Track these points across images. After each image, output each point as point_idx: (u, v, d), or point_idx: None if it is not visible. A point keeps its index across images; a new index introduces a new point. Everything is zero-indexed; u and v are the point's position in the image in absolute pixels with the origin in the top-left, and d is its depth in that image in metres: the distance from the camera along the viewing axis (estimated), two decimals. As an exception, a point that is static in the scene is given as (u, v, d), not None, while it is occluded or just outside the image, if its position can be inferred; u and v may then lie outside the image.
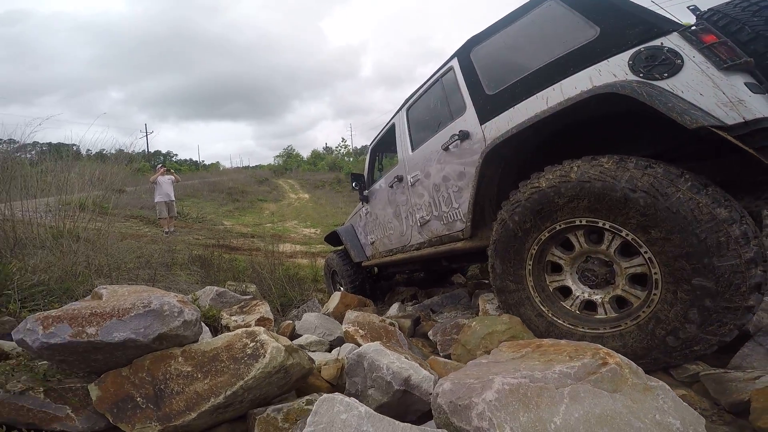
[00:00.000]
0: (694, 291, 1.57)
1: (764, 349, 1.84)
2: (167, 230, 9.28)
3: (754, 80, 1.69)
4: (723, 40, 1.68)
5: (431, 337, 2.54)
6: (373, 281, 4.94)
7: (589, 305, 1.99)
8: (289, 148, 50.28)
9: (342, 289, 4.87)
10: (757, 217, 2.77)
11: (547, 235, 2.03)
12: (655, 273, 1.68)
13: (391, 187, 3.64)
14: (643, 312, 1.74)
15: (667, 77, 1.71)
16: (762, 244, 1.56)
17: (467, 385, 1.03)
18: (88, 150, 7.42)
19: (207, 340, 1.44)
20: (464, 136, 2.59)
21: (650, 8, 1.96)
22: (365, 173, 4.47)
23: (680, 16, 2.12)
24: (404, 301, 4.32)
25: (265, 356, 1.34)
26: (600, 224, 1.84)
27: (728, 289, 1.51)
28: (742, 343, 1.92)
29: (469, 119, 2.59)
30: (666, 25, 1.82)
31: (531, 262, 2.11)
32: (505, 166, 2.37)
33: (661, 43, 1.76)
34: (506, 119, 2.29)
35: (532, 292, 2.12)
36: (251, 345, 1.37)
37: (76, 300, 1.81)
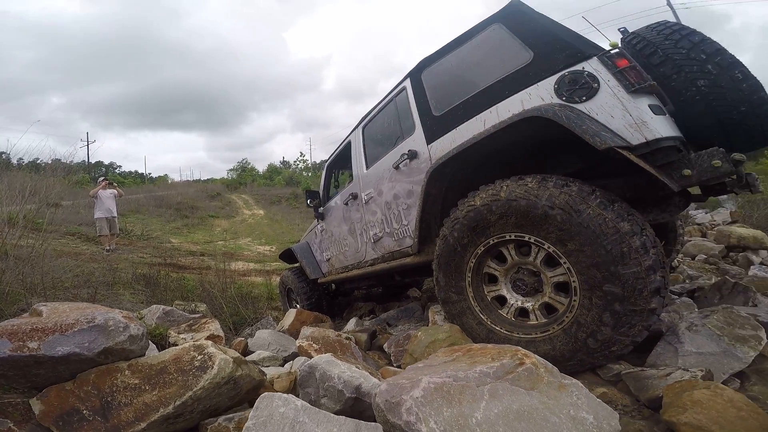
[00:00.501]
0: (605, 296, 1.76)
1: (673, 348, 2.10)
2: (108, 248, 8.74)
3: (658, 102, 1.90)
4: (633, 65, 1.88)
5: (386, 350, 2.63)
6: (330, 298, 4.93)
7: (523, 312, 2.16)
8: (244, 161, 48.97)
9: (298, 306, 4.82)
10: (672, 228, 3.13)
11: (482, 249, 2.18)
12: (574, 281, 1.86)
13: (346, 204, 3.71)
14: (567, 317, 1.91)
15: (585, 100, 1.89)
16: (660, 252, 1.78)
17: (399, 385, 1.15)
18: (20, 159, 6.93)
19: (154, 354, 1.46)
20: (413, 155, 2.72)
21: (579, 33, 2.19)
22: (321, 190, 4.50)
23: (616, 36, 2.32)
24: (362, 316, 4.37)
25: (213, 368, 1.37)
26: (526, 238, 2.01)
27: (633, 294, 1.71)
28: (656, 342, 2.19)
29: (417, 139, 2.71)
30: (588, 50, 1.99)
31: (470, 275, 2.25)
32: (449, 184, 2.51)
33: (583, 68, 1.93)
34: (450, 140, 2.43)
35: (472, 302, 2.26)
36: (199, 357, 1.40)
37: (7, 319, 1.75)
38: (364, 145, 3.51)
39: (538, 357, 1.38)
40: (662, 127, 1.78)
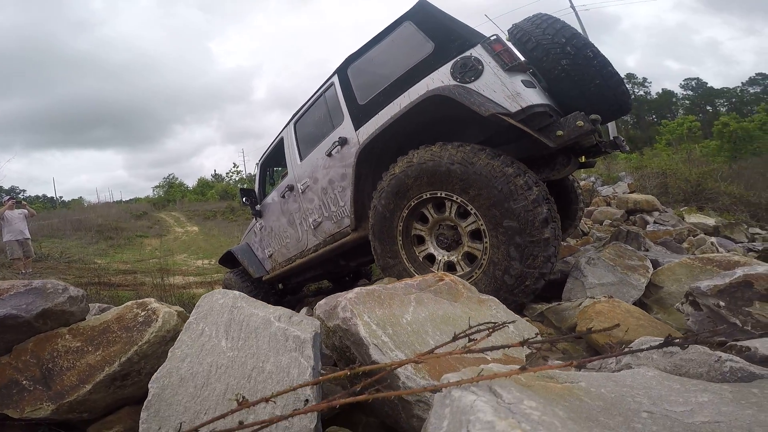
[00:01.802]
0: (506, 231, 2.07)
1: (580, 282, 2.44)
2: (24, 272, 7.94)
3: (530, 78, 2.31)
4: (506, 48, 2.28)
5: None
6: (278, 296, 4.86)
7: (450, 266, 2.45)
8: (171, 177, 46.09)
9: None
10: (572, 190, 3.57)
11: (407, 212, 2.48)
12: (482, 224, 2.18)
13: (283, 197, 3.80)
14: (484, 260, 2.21)
15: (474, 80, 2.26)
16: (544, 190, 2.12)
17: (335, 297, 1.31)
18: None
19: (96, 317, 1.46)
20: (343, 141, 2.96)
21: (467, 24, 2.58)
22: (256, 188, 4.49)
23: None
24: (313, 308, 4.37)
25: (157, 320, 1.38)
26: (438, 194, 2.33)
27: (527, 225, 2.02)
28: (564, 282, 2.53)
29: (346, 127, 2.96)
30: (475, 39, 2.38)
31: (401, 238, 2.53)
32: (377, 163, 2.74)
33: (471, 54, 2.31)
34: (374, 124, 2.71)
35: (406, 263, 2.53)
36: (143, 314, 1.42)
37: None
38: (296, 139, 3.66)
39: (455, 276, 1.59)
40: (533, 97, 2.18)
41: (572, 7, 22.49)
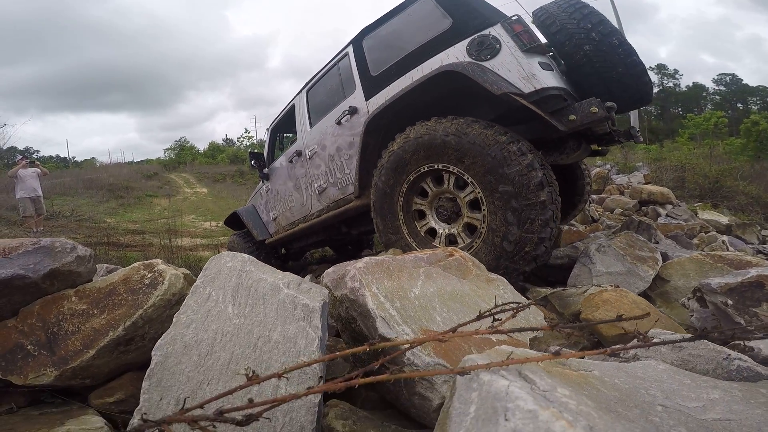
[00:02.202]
0: (502, 197, 2.09)
1: (587, 269, 2.43)
2: (35, 230, 8.08)
3: (548, 60, 2.29)
4: (526, 29, 2.26)
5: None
6: (281, 261, 4.95)
7: (451, 239, 2.48)
8: (182, 140, 46.12)
9: None
10: (580, 176, 3.54)
11: (406, 187, 2.53)
12: (479, 192, 2.21)
13: (291, 162, 3.86)
14: (483, 228, 2.23)
15: (490, 58, 2.26)
16: (539, 156, 2.13)
17: (344, 266, 1.29)
18: None
19: (102, 278, 1.46)
20: (353, 111, 3.00)
21: (488, 2, 2.56)
22: (265, 153, 4.58)
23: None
24: (317, 276, 4.45)
25: (163, 283, 1.35)
26: (436, 166, 2.38)
27: (522, 189, 2.03)
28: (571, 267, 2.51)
29: (357, 96, 3.00)
30: (495, 17, 2.37)
31: (402, 213, 2.57)
32: (385, 134, 2.75)
33: (489, 32, 2.30)
34: (384, 95, 2.74)
35: (408, 238, 2.56)
36: (149, 276, 1.39)
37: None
38: (308, 107, 3.71)
39: (465, 252, 1.57)
40: (548, 79, 2.18)
41: None
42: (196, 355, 1.01)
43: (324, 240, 4.27)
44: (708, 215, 6.36)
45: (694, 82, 55.15)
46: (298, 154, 3.73)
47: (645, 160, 11.85)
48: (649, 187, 6.57)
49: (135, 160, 44.07)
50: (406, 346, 0.74)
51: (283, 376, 0.52)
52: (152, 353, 1.05)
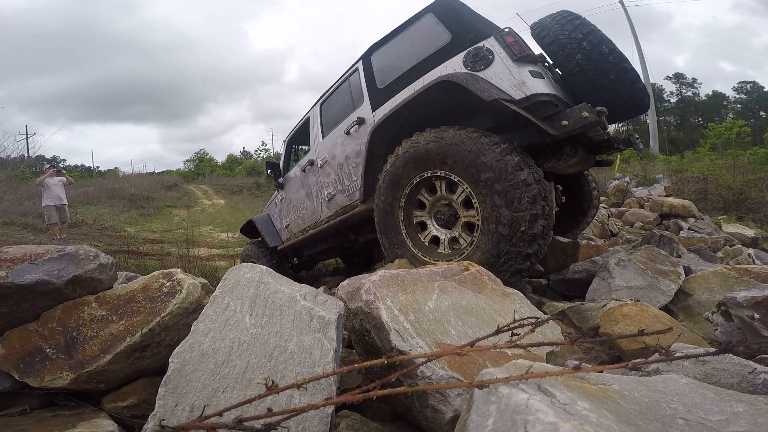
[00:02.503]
0: (486, 183, 2.19)
1: (606, 283, 2.39)
2: (59, 237, 8.33)
3: (539, 69, 2.39)
4: (517, 40, 2.37)
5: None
6: (292, 270, 5.04)
7: (454, 241, 2.55)
8: (202, 152, 47.08)
9: None
10: (587, 189, 3.58)
11: (404, 201, 2.65)
12: (467, 188, 2.32)
13: (304, 171, 4.04)
14: (478, 221, 2.30)
15: (484, 69, 2.38)
16: (514, 145, 2.23)
17: (359, 279, 1.29)
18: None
19: (123, 285, 1.50)
20: (361, 121, 3.17)
21: (483, 16, 2.71)
22: (281, 163, 4.77)
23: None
24: (330, 287, 4.48)
25: (181, 292, 1.38)
26: (426, 174, 2.49)
27: (500, 172, 2.14)
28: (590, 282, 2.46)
29: (365, 108, 3.16)
30: (489, 30, 2.50)
31: (404, 228, 2.69)
32: (390, 143, 2.86)
33: (483, 44, 2.43)
34: (389, 106, 2.89)
35: (414, 250, 2.65)
36: (168, 284, 1.42)
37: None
38: (321, 119, 3.89)
39: (480, 267, 1.56)
40: (538, 86, 2.28)
41: (621, 2, 21.60)
42: (213, 363, 1.02)
43: (333, 248, 4.33)
44: (733, 228, 6.17)
45: (713, 91, 53.65)
46: (311, 163, 3.90)
47: (665, 171, 11.58)
48: (670, 200, 6.41)
49: (156, 171, 45.24)
50: (423, 359, 0.74)
51: (303, 387, 0.52)
52: (170, 360, 1.07)
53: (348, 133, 3.29)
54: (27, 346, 1.33)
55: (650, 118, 23.77)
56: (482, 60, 2.39)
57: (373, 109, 3.07)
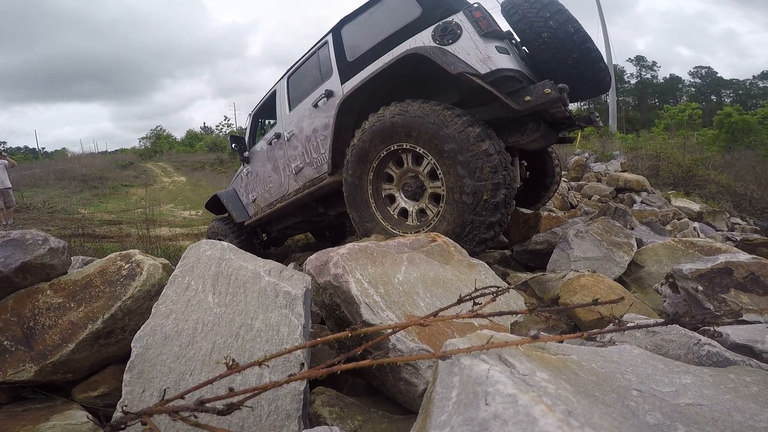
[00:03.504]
0: (449, 154, 2.26)
1: (565, 254, 2.48)
2: (5, 223, 7.77)
3: (505, 45, 2.43)
4: (485, 15, 2.40)
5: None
6: (262, 247, 5.01)
7: (422, 212, 2.62)
8: (158, 128, 44.59)
9: None
10: (549, 164, 3.74)
11: (372, 175, 2.68)
12: (431, 159, 2.39)
13: (270, 144, 3.99)
14: (443, 191, 2.37)
15: (452, 43, 2.40)
16: (475, 117, 2.30)
17: (327, 252, 1.28)
18: None
19: (78, 270, 1.42)
20: (329, 94, 3.13)
21: None
22: (246, 137, 4.65)
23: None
24: (300, 263, 4.43)
25: (142, 274, 1.33)
26: (392, 147, 2.53)
27: (463, 143, 2.20)
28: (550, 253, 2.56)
29: (333, 81, 3.13)
30: (459, 6, 2.50)
31: (373, 201, 2.73)
32: (359, 115, 2.86)
33: (452, 19, 2.44)
34: (357, 78, 2.86)
35: (384, 223, 2.69)
36: (126, 266, 1.36)
37: None
38: (288, 92, 3.81)
39: (447, 238, 1.58)
40: (503, 62, 2.32)
41: None
42: (177, 345, 1.00)
43: (302, 222, 4.29)
44: (681, 203, 6.57)
45: (671, 75, 56.15)
46: (278, 136, 3.84)
47: (622, 149, 12.12)
48: (626, 175, 6.74)
49: (109, 150, 42.53)
50: (389, 330, 0.75)
51: (264, 364, 0.52)
52: (132, 345, 1.03)
53: (316, 105, 3.26)
54: (-19, 341, 1.24)
55: (610, 98, 24.63)
56: (450, 34, 2.40)
57: (342, 81, 3.04)
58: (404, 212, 2.69)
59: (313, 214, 3.98)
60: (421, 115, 2.33)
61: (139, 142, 44.01)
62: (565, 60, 2.56)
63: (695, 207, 6.50)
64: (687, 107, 28.09)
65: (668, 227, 4.63)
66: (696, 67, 57.26)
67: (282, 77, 3.98)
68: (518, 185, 3.02)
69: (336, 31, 3.27)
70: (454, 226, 2.26)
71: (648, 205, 5.94)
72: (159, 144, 36.89)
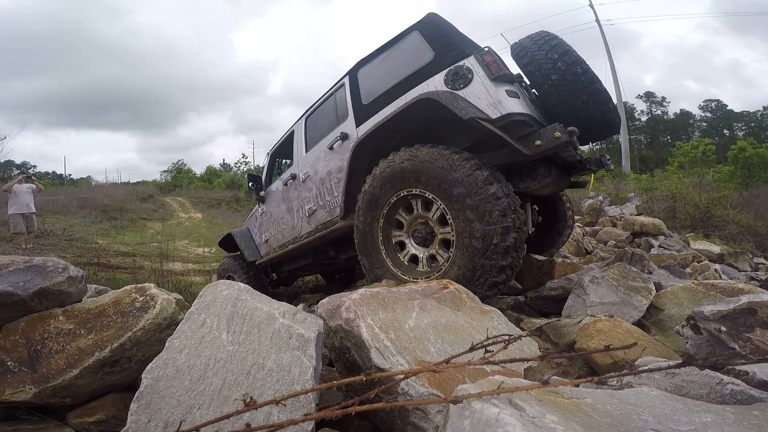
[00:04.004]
0: (458, 198, 2.25)
1: (581, 299, 2.43)
2: (24, 247, 7.96)
3: (515, 89, 2.44)
4: (495, 59, 2.42)
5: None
6: (272, 285, 5.00)
7: (432, 258, 2.58)
8: (180, 162, 46.01)
9: None
10: (562, 209, 3.69)
11: (382, 221, 2.68)
12: (441, 204, 2.37)
13: (286, 185, 4.00)
14: (453, 236, 2.34)
15: (463, 87, 2.42)
16: (483, 160, 2.31)
17: (339, 297, 1.28)
18: None
19: (92, 299, 1.45)
20: (344, 136, 3.16)
21: (465, 35, 2.75)
22: (263, 176, 4.70)
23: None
24: (310, 305, 4.41)
25: (155, 307, 1.36)
26: (402, 193, 2.53)
27: (472, 187, 2.20)
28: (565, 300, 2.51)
29: (349, 123, 3.17)
30: (470, 50, 2.55)
31: (383, 248, 2.70)
32: (372, 159, 2.87)
33: (464, 63, 2.47)
34: (372, 122, 2.89)
35: (394, 269, 2.66)
36: (140, 299, 1.39)
37: None
38: (305, 133, 3.90)
39: (459, 285, 1.57)
40: (514, 106, 2.32)
41: (597, 21, 22.66)
42: (188, 379, 1.00)
43: (313, 264, 4.30)
44: (700, 245, 6.42)
45: (681, 110, 55.57)
46: (293, 177, 3.87)
47: (636, 190, 12.03)
48: (641, 218, 6.65)
49: (131, 181, 43.97)
50: (401, 376, 0.74)
51: (281, 403, 0.52)
52: (143, 375, 1.04)
53: (331, 148, 3.28)
54: (-15, 358, 1.26)
55: (622, 137, 24.57)
56: (462, 78, 2.43)
57: (357, 124, 3.08)
58: (414, 258, 2.65)
59: (324, 257, 3.97)
60: (430, 159, 2.34)
61: (161, 175, 45.34)
62: (574, 102, 2.55)
63: (715, 249, 6.34)
64: (700, 143, 27.65)
65: (688, 270, 4.52)
66: (706, 100, 56.60)
67: (300, 118, 4.06)
68: (531, 231, 3.05)
69: (352, 73, 3.32)
70: (464, 270, 2.23)
71: (666, 249, 5.82)
72: (179, 178, 37.96)
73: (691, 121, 54.06)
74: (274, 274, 4.97)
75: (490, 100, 2.31)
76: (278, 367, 1.00)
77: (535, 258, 3.31)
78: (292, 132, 4.14)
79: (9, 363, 1.26)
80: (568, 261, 3.62)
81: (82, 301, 1.47)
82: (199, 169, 46.10)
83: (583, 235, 6.36)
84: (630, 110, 48.44)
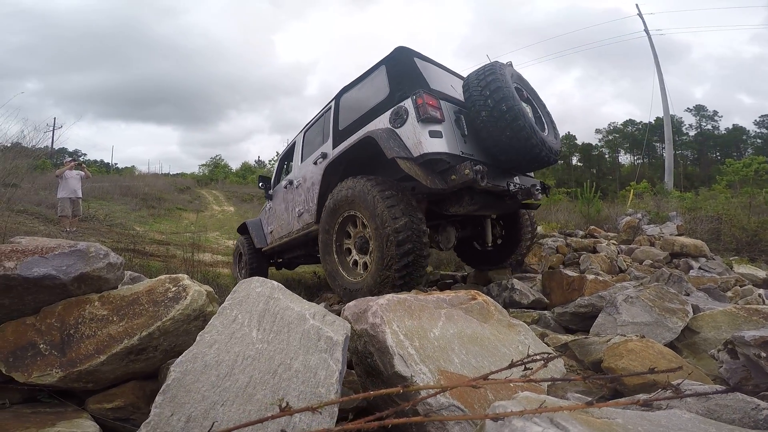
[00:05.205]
0: (377, 227, 2.64)
1: (612, 318, 2.36)
2: (68, 230, 8.40)
3: (439, 129, 2.66)
4: (424, 102, 2.64)
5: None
6: (276, 267, 5.88)
7: (365, 264, 3.01)
8: (218, 157, 47.52)
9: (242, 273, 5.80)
10: (520, 223, 4.08)
11: (336, 227, 3.12)
12: (366, 221, 2.79)
13: (285, 188, 4.68)
14: (373, 253, 2.75)
15: (400, 126, 2.72)
16: (409, 208, 2.66)
17: (366, 301, 1.28)
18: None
19: (128, 287, 1.50)
20: (324, 155, 3.69)
21: (421, 76, 2.95)
22: (273, 177, 5.49)
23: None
24: (332, 305, 4.52)
25: (186, 298, 1.38)
26: (347, 213, 2.98)
27: (377, 204, 2.65)
28: (596, 316, 2.43)
29: (328, 144, 3.67)
30: (410, 91, 2.76)
31: (336, 254, 3.15)
32: (342, 176, 3.25)
33: (403, 104, 2.73)
34: (344, 146, 3.28)
35: (339, 267, 3.15)
36: (173, 289, 1.42)
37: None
38: (303, 145, 4.48)
39: (487, 297, 1.54)
40: (433, 146, 2.59)
41: (646, 31, 21.79)
42: (215, 375, 1.01)
43: (306, 254, 4.79)
44: (744, 269, 6.03)
45: (733, 125, 51.13)
46: (290, 182, 4.49)
47: (679, 209, 11.43)
48: (682, 239, 6.31)
49: (171, 173, 45.63)
50: (437, 390, 0.74)
51: (317, 411, 0.52)
52: (171, 368, 1.05)
53: (316, 163, 3.79)
54: (21, 339, 1.30)
55: (667, 152, 23.29)
56: (400, 118, 2.74)
57: (334, 146, 3.52)
58: (356, 263, 3.09)
59: (312, 251, 4.51)
60: (361, 193, 2.75)
61: (199, 168, 46.92)
62: (500, 137, 2.72)
63: (761, 274, 5.93)
64: (753, 161, 25.60)
65: (729, 294, 4.27)
66: (762, 116, 50.87)
67: (301, 131, 4.61)
68: (488, 245, 3.80)
69: (337, 98, 3.70)
70: (375, 279, 2.66)
71: (707, 271, 5.50)
72: (216, 172, 39.23)
73: (744, 137, 49.84)
74: (279, 259, 5.67)
75: (415, 140, 2.62)
76: (305, 368, 1.01)
77: (565, 273, 3.33)
78: (295, 142, 4.73)
79: (41, 345, 1.29)
80: (601, 279, 3.50)
81: (117, 288, 1.51)
82: (235, 165, 47.56)
83: (618, 253, 6.11)
84: (677, 124, 45.82)
